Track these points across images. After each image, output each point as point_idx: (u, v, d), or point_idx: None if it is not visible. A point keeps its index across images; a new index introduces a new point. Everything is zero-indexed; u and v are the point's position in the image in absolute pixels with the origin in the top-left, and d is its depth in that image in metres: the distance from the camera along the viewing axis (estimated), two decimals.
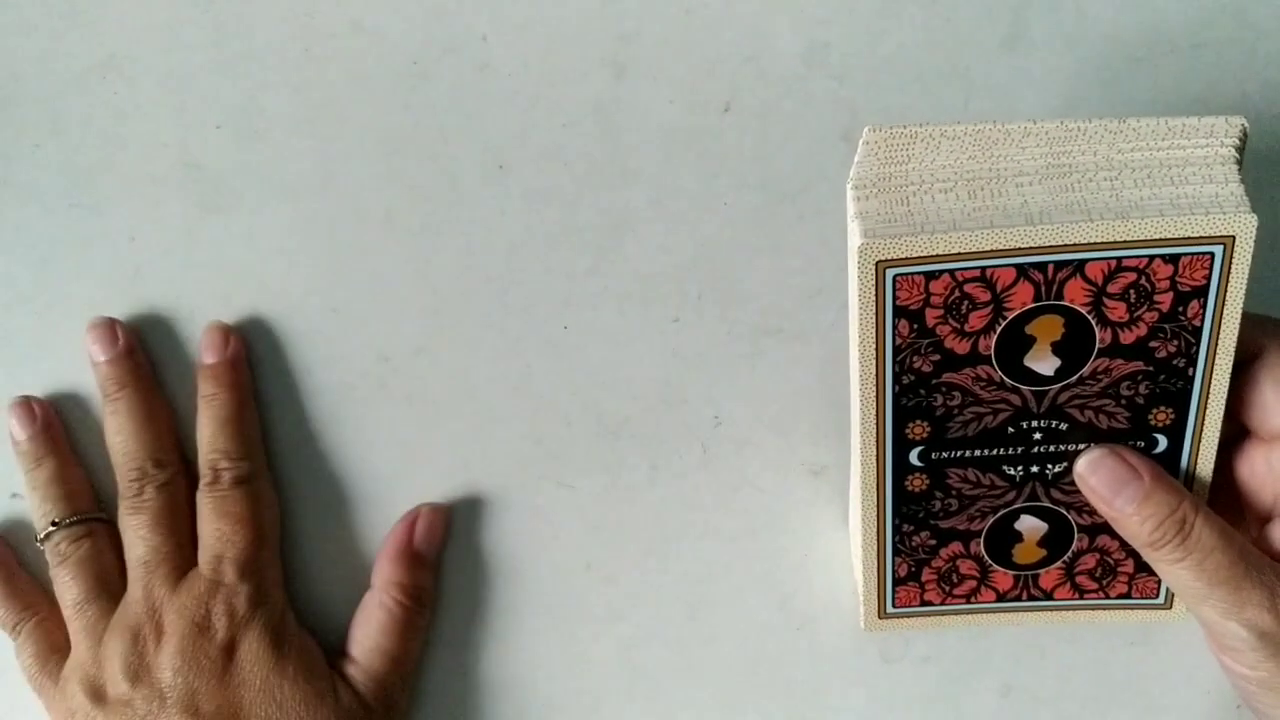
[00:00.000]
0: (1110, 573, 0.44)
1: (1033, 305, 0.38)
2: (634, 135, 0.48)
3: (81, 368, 0.48)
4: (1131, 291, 0.37)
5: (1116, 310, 0.38)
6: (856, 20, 0.48)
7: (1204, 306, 0.38)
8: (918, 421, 0.40)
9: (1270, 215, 0.46)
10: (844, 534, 0.48)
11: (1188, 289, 0.37)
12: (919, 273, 0.37)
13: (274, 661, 0.45)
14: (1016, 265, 0.37)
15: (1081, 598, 0.45)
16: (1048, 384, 0.39)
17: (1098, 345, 0.38)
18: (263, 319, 0.48)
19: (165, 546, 0.46)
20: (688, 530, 0.49)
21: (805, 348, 0.48)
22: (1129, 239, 0.36)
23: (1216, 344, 0.38)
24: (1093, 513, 0.42)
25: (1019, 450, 0.41)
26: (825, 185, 0.48)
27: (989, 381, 0.39)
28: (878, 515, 0.43)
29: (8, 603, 0.47)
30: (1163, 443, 0.41)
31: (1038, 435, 0.41)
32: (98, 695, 0.45)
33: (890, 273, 0.37)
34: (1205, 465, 0.41)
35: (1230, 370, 0.39)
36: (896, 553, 0.44)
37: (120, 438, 0.47)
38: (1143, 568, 0.43)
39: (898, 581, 0.44)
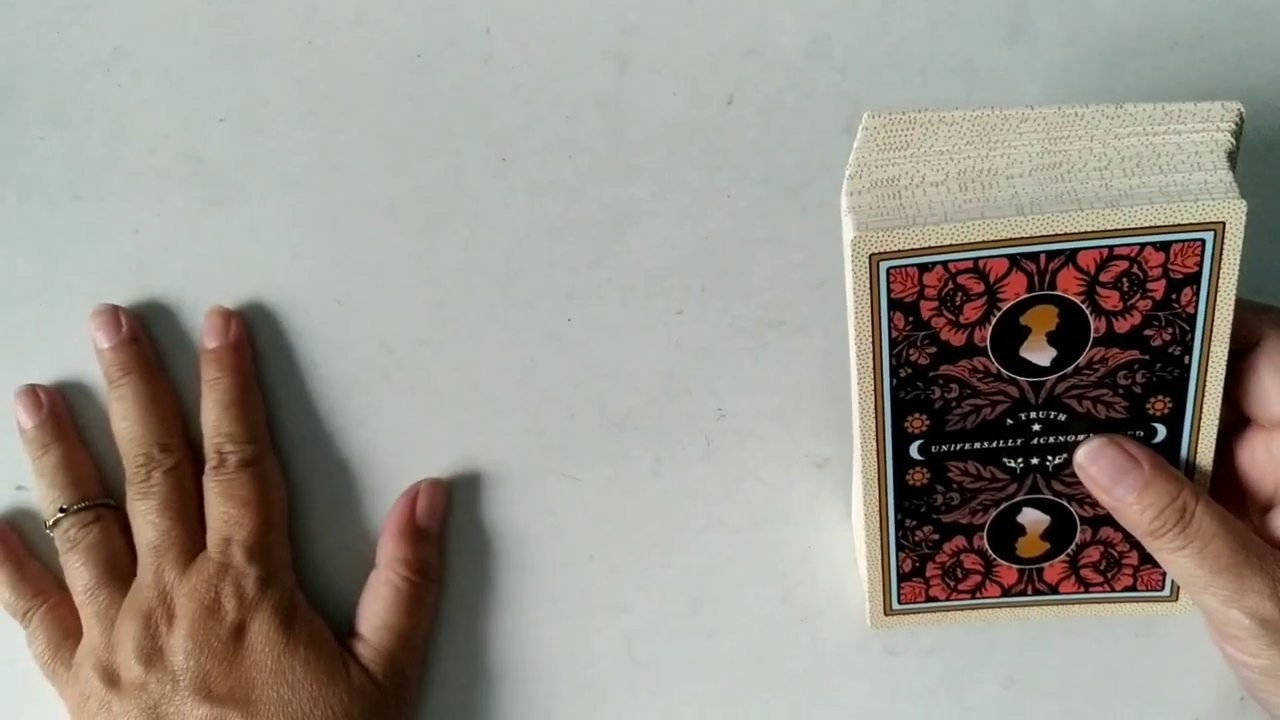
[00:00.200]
0: (1115, 565, 0.44)
1: (1026, 296, 0.38)
2: (637, 128, 0.48)
3: (87, 358, 0.48)
4: (1124, 280, 0.37)
5: (1110, 299, 0.38)
6: (859, 12, 0.48)
7: (1197, 293, 0.37)
8: (917, 414, 0.40)
9: (1274, 203, 0.46)
10: (847, 527, 0.48)
11: (1180, 276, 0.37)
12: (912, 265, 0.37)
13: (285, 642, 0.45)
14: (1008, 256, 0.37)
15: (1087, 591, 0.44)
16: (1045, 375, 0.39)
17: (1093, 335, 0.38)
18: (266, 311, 0.49)
19: (174, 530, 0.46)
20: (691, 522, 0.49)
21: (808, 340, 0.48)
22: (1119, 227, 0.36)
23: (1211, 331, 0.38)
24: (1095, 505, 0.42)
25: (1018, 442, 0.41)
26: (828, 178, 0.48)
27: (986, 373, 0.39)
28: (880, 509, 0.43)
29: (18, 590, 0.47)
30: (1162, 432, 0.40)
31: (1036, 426, 0.40)
32: (111, 679, 0.45)
33: (884, 265, 0.37)
34: (1205, 454, 0.41)
35: (1226, 358, 0.39)
36: (900, 548, 0.44)
37: (126, 423, 0.47)
38: (1147, 560, 0.43)
39: (902, 577, 0.44)
